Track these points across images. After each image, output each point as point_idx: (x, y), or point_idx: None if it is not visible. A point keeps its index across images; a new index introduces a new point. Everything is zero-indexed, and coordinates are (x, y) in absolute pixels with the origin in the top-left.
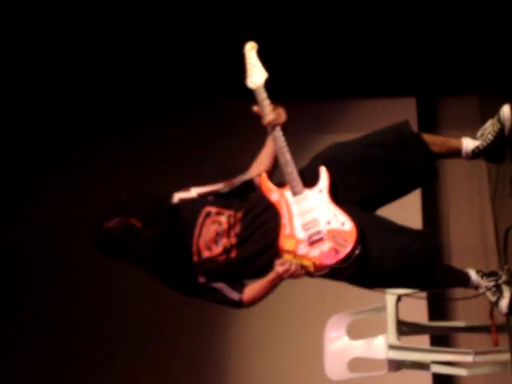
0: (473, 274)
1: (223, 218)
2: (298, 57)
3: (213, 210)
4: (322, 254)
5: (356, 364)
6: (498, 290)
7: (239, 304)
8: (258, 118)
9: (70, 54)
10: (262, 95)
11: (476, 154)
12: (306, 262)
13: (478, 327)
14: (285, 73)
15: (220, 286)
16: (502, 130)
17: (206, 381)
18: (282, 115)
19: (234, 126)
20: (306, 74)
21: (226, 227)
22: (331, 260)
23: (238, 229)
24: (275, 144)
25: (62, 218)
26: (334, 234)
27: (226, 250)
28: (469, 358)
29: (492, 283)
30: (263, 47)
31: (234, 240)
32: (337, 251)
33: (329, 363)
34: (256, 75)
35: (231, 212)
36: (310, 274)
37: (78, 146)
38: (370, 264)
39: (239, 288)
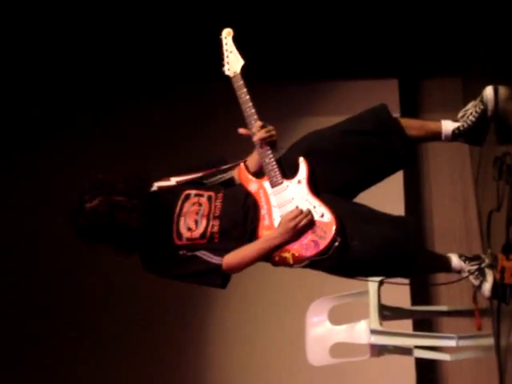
0: (455, 259)
1: (203, 199)
2: (280, 38)
3: (192, 192)
4: (302, 245)
5: (338, 349)
6: (480, 273)
7: (220, 267)
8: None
9: (49, 39)
10: (240, 83)
11: (456, 135)
12: (286, 254)
13: (461, 311)
14: (267, 54)
15: (200, 253)
16: (484, 111)
17: (187, 366)
18: (273, 134)
19: (215, 109)
20: (288, 55)
21: (206, 209)
22: (310, 252)
23: (218, 212)
24: (251, 128)
25: (44, 206)
26: (314, 226)
27: (208, 235)
28: (452, 343)
29: (475, 267)
30: (244, 29)
31: (216, 226)
32: (316, 243)
33: (311, 349)
34: (233, 62)
35: (211, 193)
36: (289, 266)
37: (56, 133)
38: (350, 253)
39: (221, 254)
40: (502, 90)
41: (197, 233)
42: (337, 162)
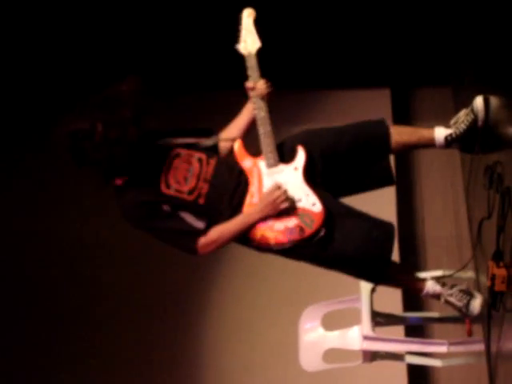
0: (430, 283)
1: (193, 159)
2: (272, 48)
3: (183, 152)
4: (286, 229)
5: (331, 355)
6: (466, 293)
7: (199, 234)
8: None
9: (49, 42)
10: (253, 62)
11: (449, 141)
12: (269, 234)
13: (452, 318)
14: (259, 64)
15: (185, 214)
16: (475, 120)
17: (182, 372)
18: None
19: (213, 117)
20: (280, 65)
21: (196, 168)
22: (294, 236)
23: (208, 175)
24: (258, 114)
25: (43, 206)
26: (302, 213)
27: (195, 193)
28: (443, 349)
29: (455, 289)
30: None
31: (205, 189)
32: (302, 229)
33: (304, 354)
34: (250, 42)
35: (202, 155)
36: (269, 246)
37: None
38: (332, 244)
39: (204, 220)
40: (493, 100)
41: (186, 187)
42: (329, 164)
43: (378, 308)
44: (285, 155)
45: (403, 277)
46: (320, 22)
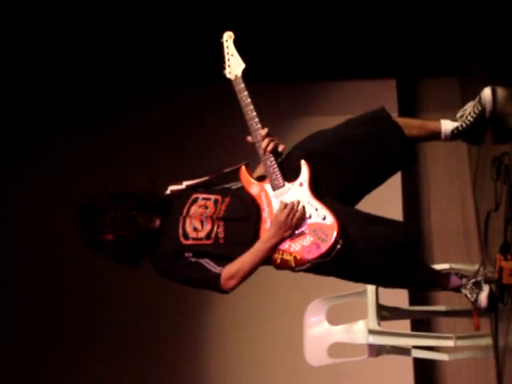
0: (453, 278)
1: (210, 202)
2: (278, 39)
3: (200, 196)
4: (304, 248)
5: (336, 349)
6: (477, 286)
7: (219, 277)
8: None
9: (49, 39)
10: (241, 86)
11: (455, 135)
12: (287, 257)
13: (459, 312)
14: (265, 55)
15: (205, 260)
16: (482, 112)
17: (185, 368)
18: (277, 144)
19: (214, 109)
20: (287, 56)
21: (211, 211)
22: (312, 254)
23: (221, 213)
24: (253, 131)
25: (45, 206)
26: (315, 228)
27: (213, 236)
28: (450, 343)
29: (470, 282)
30: (244, 29)
31: (220, 228)
32: (318, 245)
33: (309, 349)
34: (234, 65)
35: (218, 197)
36: (291, 269)
37: (55, 133)
38: (356, 257)
39: (223, 264)
40: (500, 91)
41: (203, 233)
42: (338, 165)
43: (384, 302)
44: (292, 170)
45: (429, 276)
46: (326, 13)
